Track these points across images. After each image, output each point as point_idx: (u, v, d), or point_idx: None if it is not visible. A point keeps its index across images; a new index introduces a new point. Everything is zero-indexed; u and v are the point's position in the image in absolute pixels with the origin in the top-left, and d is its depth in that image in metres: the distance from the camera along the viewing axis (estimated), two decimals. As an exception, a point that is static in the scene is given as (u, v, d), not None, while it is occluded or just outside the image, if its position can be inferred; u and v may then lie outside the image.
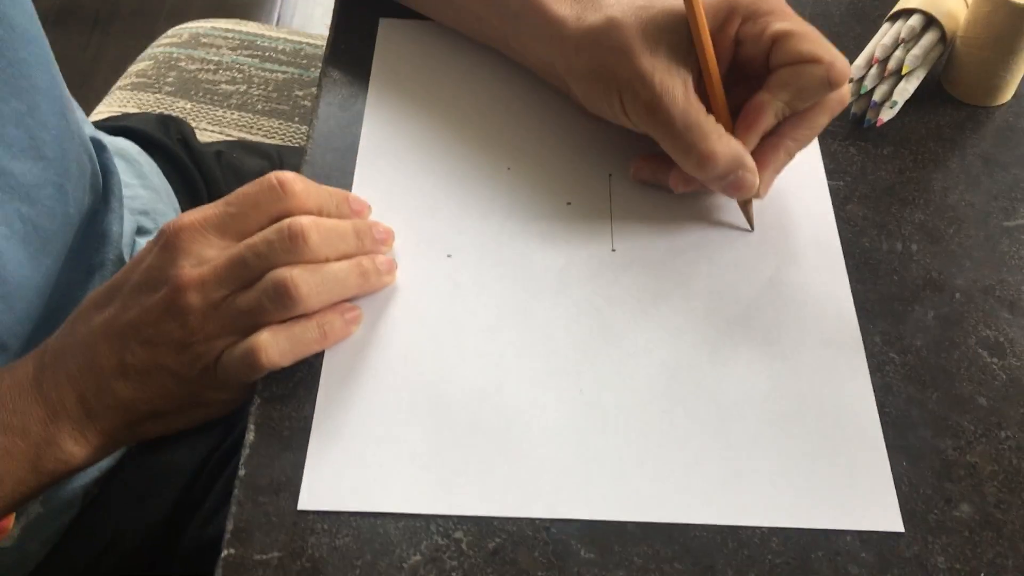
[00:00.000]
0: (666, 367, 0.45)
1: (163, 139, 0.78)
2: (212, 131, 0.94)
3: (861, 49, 0.56)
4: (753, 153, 0.47)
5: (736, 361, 0.45)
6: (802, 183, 0.52)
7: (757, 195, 0.48)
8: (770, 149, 0.48)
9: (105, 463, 0.59)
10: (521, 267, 0.48)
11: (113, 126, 0.78)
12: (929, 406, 0.44)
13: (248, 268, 0.44)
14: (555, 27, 0.49)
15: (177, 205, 0.73)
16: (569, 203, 0.51)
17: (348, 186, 0.51)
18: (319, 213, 0.47)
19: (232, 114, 0.96)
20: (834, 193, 0.52)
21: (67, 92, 0.55)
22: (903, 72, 0.54)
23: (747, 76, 0.48)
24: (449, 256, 0.49)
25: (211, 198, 0.76)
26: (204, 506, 0.61)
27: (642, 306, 0.47)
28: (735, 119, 0.48)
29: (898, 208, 0.51)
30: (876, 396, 0.44)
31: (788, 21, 0.46)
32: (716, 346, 0.46)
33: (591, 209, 0.51)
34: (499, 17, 0.53)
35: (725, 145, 0.46)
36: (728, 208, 0.51)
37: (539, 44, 0.51)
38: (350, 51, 0.58)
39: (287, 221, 0.44)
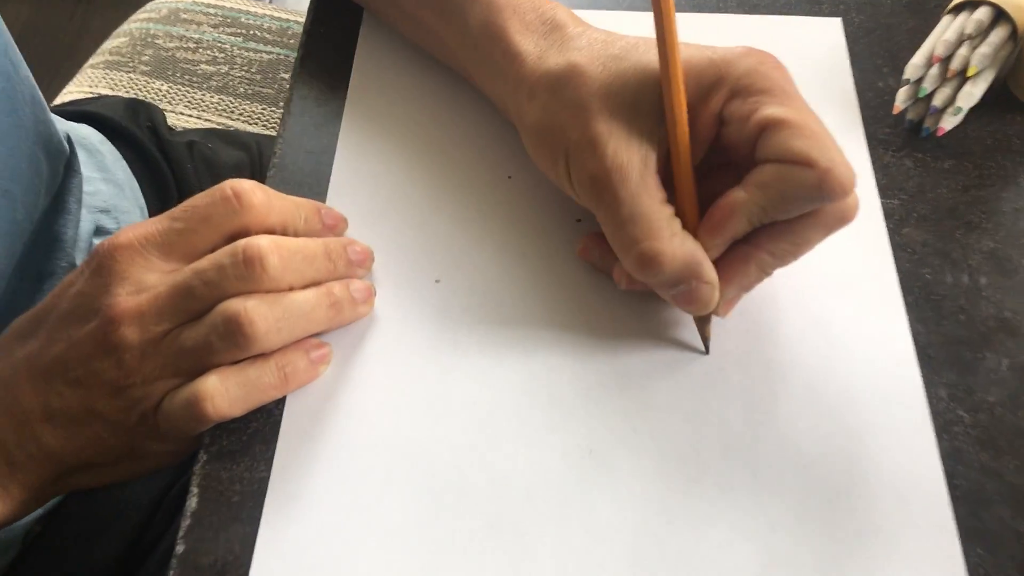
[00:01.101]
0: (692, 425, 0.38)
1: (130, 127, 0.71)
2: (189, 115, 0.87)
3: (915, 46, 0.49)
4: (718, 262, 0.37)
5: (775, 419, 0.38)
6: (851, 201, 0.44)
7: (716, 313, 0.39)
8: (739, 260, 0.38)
9: (47, 499, 0.53)
10: (523, 297, 0.41)
11: (75, 111, 0.71)
12: (1007, 477, 0.37)
13: (195, 298, 0.37)
14: (513, 63, 0.41)
15: (143, 202, 0.66)
16: (579, 220, 0.44)
17: (322, 195, 0.44)
18: (283, 230, 0.40)
19: (211, 97, 0.88)
20: (888, 214, 0.44)
21: (28, 82, 0.48)
22: (969, 74, 0.46)
23: (730, 164, 0.38)
24: (438, 281, 0.42)
25: (181, 194, 0.69)
26: (160, 546, 0.55)
27: (665, 348, 0.40)
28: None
29: (963, 233, 0.44)
30: (943, 465, 0.37)
31: (784, 106, 0.36)
32: (751, 400, 0.39)
33: (605, 228, 0.43)
34: (458, 41, 0.45)
35: (677, 247, 0.36)
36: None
37: (495, 80, 0.43)
38: (331, 35, 0.50)
39: (243, 242, 0.37)
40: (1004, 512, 0.36)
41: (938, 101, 0.47)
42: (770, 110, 0.36)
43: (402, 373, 0.39)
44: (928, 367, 0.39)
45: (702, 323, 0.39)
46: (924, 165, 0.46)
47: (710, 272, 0.37)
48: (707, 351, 0.40)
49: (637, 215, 0.36)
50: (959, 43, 0.47)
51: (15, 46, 0.47)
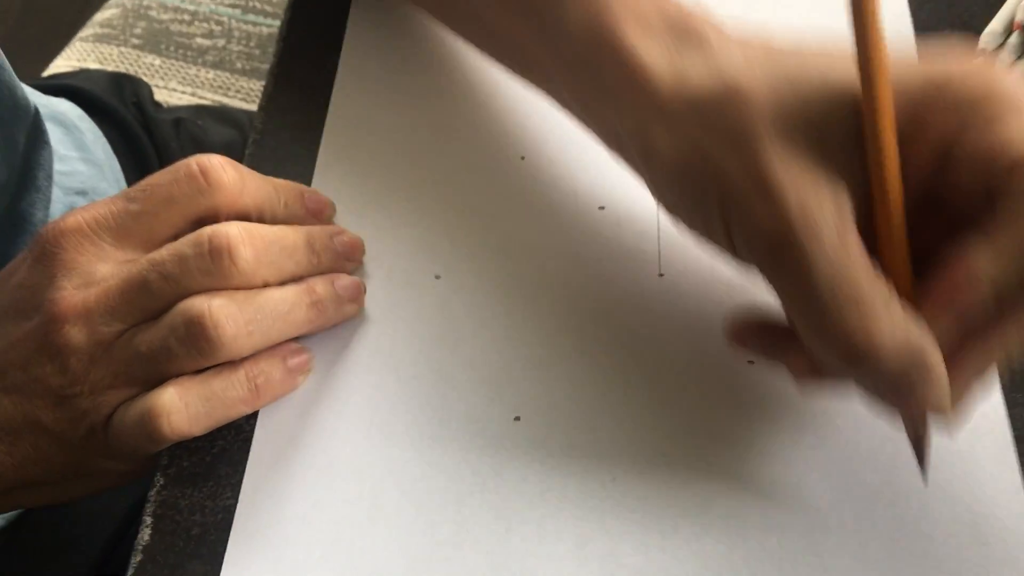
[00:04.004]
0: (736, 447, 0.32)
1: (113, 103, 0.66)
2: (182, 92, 0.81)
3: (990, 12, 0.43)
4: (947, 348, 0.28)
5: (836, 440, 0.32)
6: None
7: (944, 413, 0.28)
8: (979, 345, 0.28)
9: (7, 509, 0.48)
10: (535, 297, 0.36)
11: (55, 85, 0.66)
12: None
13: (151, 294, 0.32)
14: (632, 79, 0.31)
15: (124, 184, 0.61)
16: (602, 208, 0.38)
17: (307, 177, 0.39)
18: (259, 214, 0.34)
19: (207, 73, 0.83)
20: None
21: None
22: (1054, 43, 0.40)
23: (949, 211, 0.29)
24: (438, 277, 0.36)
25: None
26: (133, 564, 0.49)
27: (705, 359, 0.34)
28: (920, 281, 0.29)
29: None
30: (1030, 498, 0.31)
31: None
32: (802, 416, 0.33)
33: (632, 217, 0.38)
34: (548, 50, 0.34)
35: (899, 331, 0.27)
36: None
37: (604, 101, 0.33)
38: (323, -4, 0.45)
39: (209, 229, 0.32)
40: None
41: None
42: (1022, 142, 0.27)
43: (394, 385, 0.34)
44: (1012, 385, 0.34)
45: (919, 434, 0.30)
46: (999, 148, 0.40)
47: (938, 362, 0.27)
48: (925, 480, 0.31)
49: (840, 287, 0.27)
50: (1041, 8, 0.41)
51: None
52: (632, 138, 0.32)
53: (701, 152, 0.29)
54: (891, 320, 0.27)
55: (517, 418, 0.33)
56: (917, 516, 0.31)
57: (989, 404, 0.33)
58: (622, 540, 0.30)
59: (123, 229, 0.33)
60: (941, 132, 0.28)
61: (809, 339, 0.28)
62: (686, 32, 0.31)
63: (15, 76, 0.47)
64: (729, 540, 0.31)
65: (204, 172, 0.33)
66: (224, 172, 0.33)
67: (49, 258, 0.33)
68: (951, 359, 0.27)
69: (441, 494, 0.31)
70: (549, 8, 0.33)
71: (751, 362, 0.34)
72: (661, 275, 0.36)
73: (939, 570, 0.30)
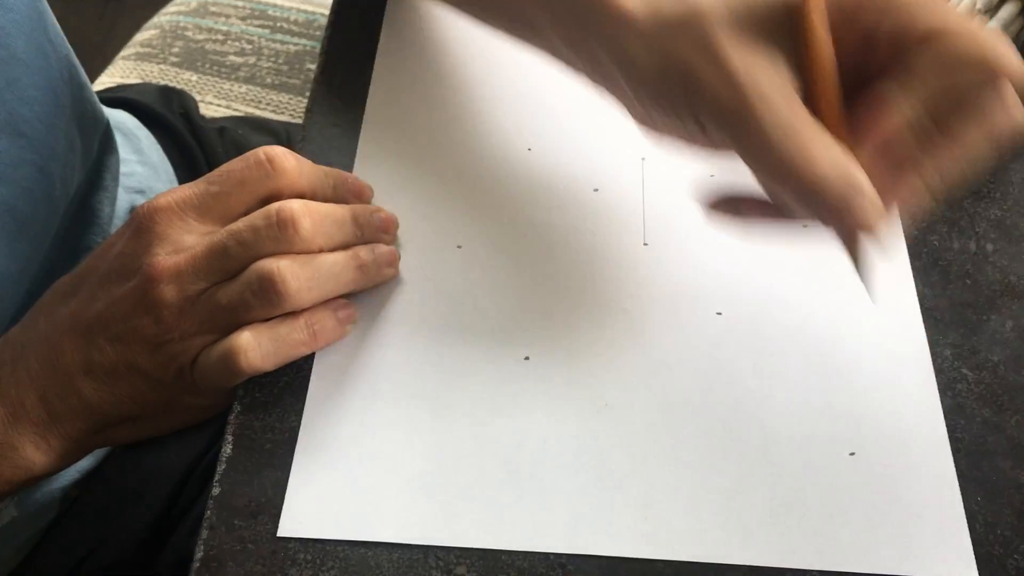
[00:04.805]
0: (703, 380, 0.39)
1: (164, 112, 0.73)
2: (218, 105, 0.89)
3: None
4: (871, 174, 0.33)
5: (784, 375, 0.40)
6: (861, 172, 0.46)
7: (874, 229, 0.33)
8: (896, 167, 0.33)
9: (85, 463, 0.55)
10: (540, 262, 0.43)
11: (112, 97, 0.73)
12: (1008, 432, 0.38)
13: (230, 258, 0.39)
14: (618, 17, 0.38)
15: (177, 184, 0.68)
16: (596, 190, 0.45)
17: (348, 166, 0.46)
18: (313, 195, 0.41)
19: (240, 87, 0.90)
20: (897, 184, 0.45)
21: (66, 60, 0.50)
22: (978, 48, 0.47)
23: (874, 85, 0.35)
24: (459, 247, 0.43)
25: (213, 176, 0.71)
26: (192, 513, 0.56)
27: (677, 309, 0.41)
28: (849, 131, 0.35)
29: (971, 202, 0.45)
30: (946, 419, 0.38)
31: (944, 16, 0.33)
32: (762, 356, 0.40)
33: (621, 197, 0.45)
34: (543, 8, 0.41)
35: (834, 158, 0.33)
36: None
37: (592, 38, 0.39)
38: (358, 15, 0.52)
39: (276, 205, 0.39)
40: (1004, 464, 0.37)
41: (947, 76, 0.48)
42: (928, 20, 0.33)
43: (424, 332, 0.41)
44: (934, 328, 0.41)
45: (856, 255, 0.35)
46: (933, 138, 0.47)
47: (869, 185, 0.33)
48: (873, 296, 0.37)
49: (787, 133, 0.33)
50: (968, 19, 0.48)
51: (56, 25, 0.49)
52: (613, 57, 0.38)
53: (671, 57, 0.36)
54: (829, 153, 0.33)
55: (527, 358, 0.40)
56: (854, 434, 0.38)
57: (915, 344, 0.40)
58: (611, 452, 0.38)
59: (204, 207, 0.40)
60: (865, 21, 0.34)
61: (767, 180, 0.35)
62: None
63: (93, 92, 0.55)
64: (697, 449, 0.38)
65: (270, 160, 0.40)
66: (286, 159, 0.40)
67: (145, 231, 0.40)
68: (879, 187, 0.33)
69: (465, 417, 0.38)
70: None
71: (719, 313, 0.41)
72: (646, 244, 0.43)
73: (867, 473, 0.37)
